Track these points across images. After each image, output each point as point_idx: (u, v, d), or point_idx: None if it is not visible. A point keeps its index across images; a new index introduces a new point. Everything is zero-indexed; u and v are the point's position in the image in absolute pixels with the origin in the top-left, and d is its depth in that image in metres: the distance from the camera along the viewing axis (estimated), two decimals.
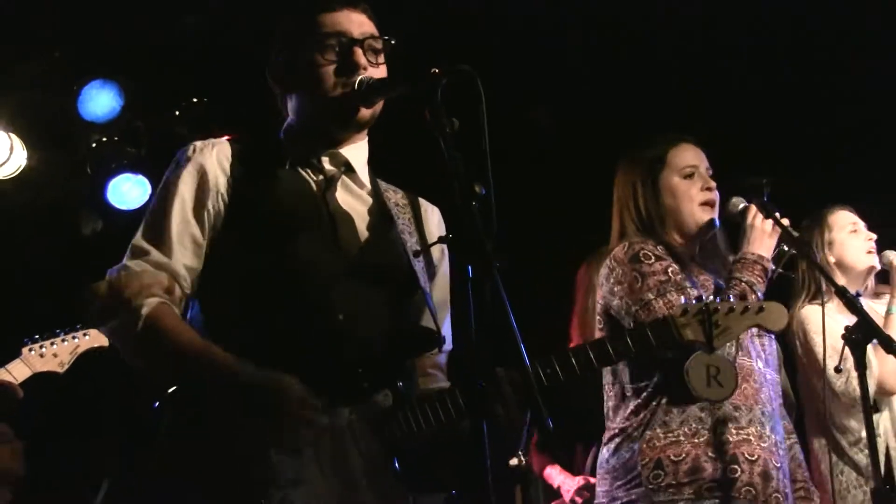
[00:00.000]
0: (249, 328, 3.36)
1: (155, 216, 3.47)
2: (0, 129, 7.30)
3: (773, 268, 4.53)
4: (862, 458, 5.26)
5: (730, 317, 3.68)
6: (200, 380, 3.25)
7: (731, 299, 4.18)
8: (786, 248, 4.59)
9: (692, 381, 4.08)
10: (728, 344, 4.36)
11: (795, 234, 4.63)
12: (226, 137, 3.61)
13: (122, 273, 3.36)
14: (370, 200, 3.68)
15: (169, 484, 3.19)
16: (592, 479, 5.54)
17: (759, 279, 4.46)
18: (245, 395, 3.19)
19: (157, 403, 3.34)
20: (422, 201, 3.82)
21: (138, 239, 3.45)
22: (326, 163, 3.63)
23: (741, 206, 4.64)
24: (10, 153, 7.32)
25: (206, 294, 3.48)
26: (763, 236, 4.53)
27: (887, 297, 5.58)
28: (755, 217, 4.56)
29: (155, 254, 3.40)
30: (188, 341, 3.30)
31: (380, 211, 3.66)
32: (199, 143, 3.56)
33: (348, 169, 3.66)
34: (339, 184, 3.62)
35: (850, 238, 5.49)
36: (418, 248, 3.61)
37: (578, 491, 5.77)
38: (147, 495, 3.24)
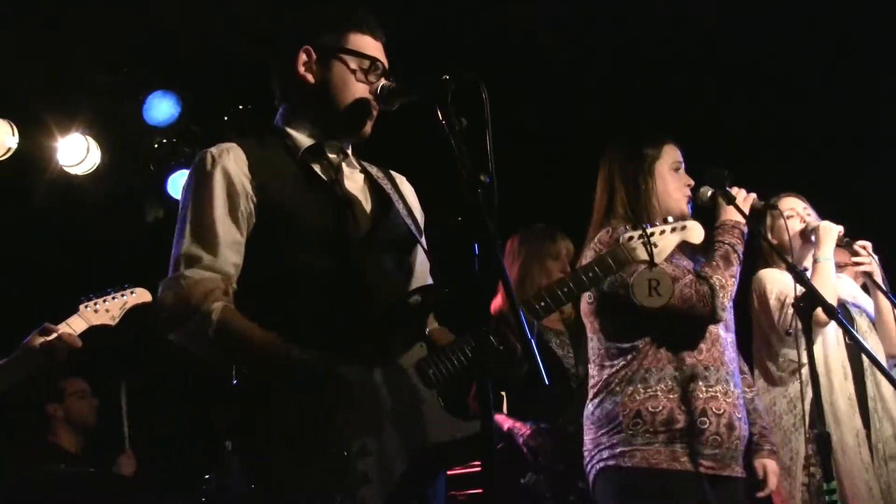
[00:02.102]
0: (295, 308, 3.33)
1: (198, 223, 3.37)
2: (78, 132, 7.30)
3: (746, 231, 4.54)
4: (792, 387, 5.21)
5: (663, 237, 3.90)
6: (273, 371, 3.23)
7: (717, 260, 4.41)
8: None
9: (636, 293, 4.21)
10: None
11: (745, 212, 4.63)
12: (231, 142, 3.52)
13: (184, 282, 3.29)
14: (362, 178, 3.65)
15: (267, 444, 3.19)
16: (542, 425, 5.50)
17: (738, 240, 4.50)
18: (312, 381, 3.19)
19: (235, 381, 3.35)
20: (392, 172, 3.79)
21: (186, 247, 3.35)
22: (329, 151, 3.59)
23: (710, 192, 4.63)
24: (87, 153, 7.34)
25: (245, 282, 3.39)
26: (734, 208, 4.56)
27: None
28: (725, 195, 4.57)
29: (207, 259, 3.32)
30: (259, 338, 3.24)
31: (374, 187, 3.64)
32: (213, 151, 3.47)
33: (345, 156, 3.63)
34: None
35: (787, 222, 5.41)
36: (407, 211, 3.62)
37: (532, 434, 5.62)
38: (250, 456, 3.27)
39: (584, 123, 7.52)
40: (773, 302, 5.24)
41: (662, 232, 3.90)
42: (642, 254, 3.83)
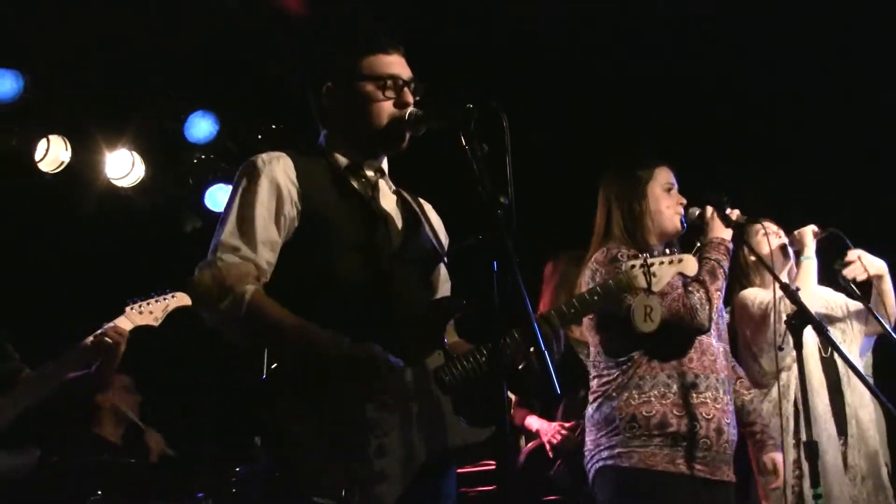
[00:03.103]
0: (326, 310, 3.30)
1: (241, 218, 3.36)
2: (125, 148, 7.31)
3: (733, 247, 4.55)
4: (774, 394, 5.21)
5: (662, 267, 3.91)
6: (301, 352, 3.21)
7: (704, 275, 4.42)
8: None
9: (634, 316, 4.20)
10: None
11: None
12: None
13: (221, 264, 3.27)
14: (395, 198, 3.64)
15: (293, 437, 3.16)
16: (567, 424, 5.60)
17: (724, 256, 4.51)
18: (346, 364, 3.17)
19: (264, 376, 3.33)
20: (419, 199, 3.78)
21: (227, 236, 3.33)
22: (368, 170, 3.58)
23: (698, 211, 4.63)
24: (132, 167, 7.36)
25: (280, 282, 3.38)
26: (721, 226, 4.56)
27: None
28: (712, 211, 4.57)
29: (244, 250, 3.31)
30: (288, 320, 3.23)
31: (406, 207, 3.64)
32: (264, 157, 3.46)
33: (382, 174, 3.63)
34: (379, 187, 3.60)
35: (762, 239, 5.41)
36: (432, 233, 3.62)
37: (556, 433, 5.71)
38: (274, 447, 3.23)
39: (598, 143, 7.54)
40: (756, 311, 5.28)
41: (661, 263, 3.93)
42: (642, 282, 3.88)
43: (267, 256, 3.35)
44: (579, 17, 6.96)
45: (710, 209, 4.59)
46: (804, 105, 7.58)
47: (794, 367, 5.06)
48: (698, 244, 4.64)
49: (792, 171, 7.73)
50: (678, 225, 4.62)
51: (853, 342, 5.41)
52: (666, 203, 4.63)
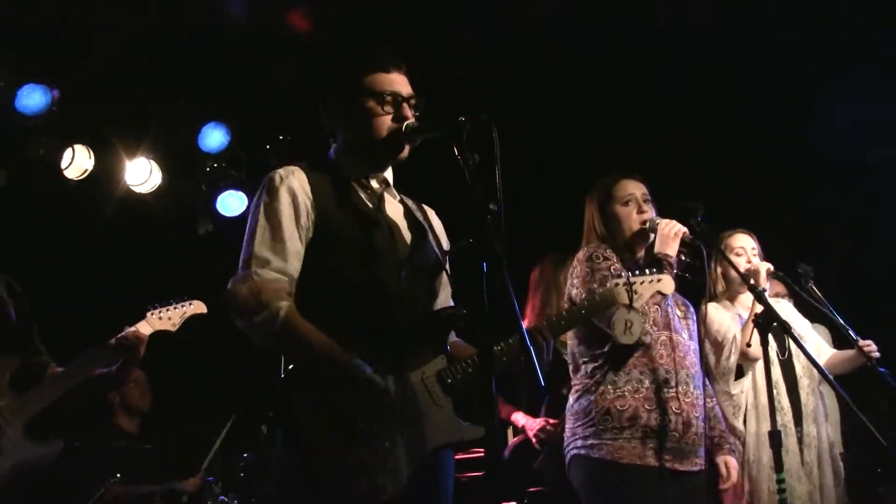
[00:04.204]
0: (338, 314, 3.30)
1: (269, 231, 3.35)
2: (143, 157, 7.31)
3: (675, 263, 4.48)
4: (728, 404, 5.25)
5: (643, 286, 4.10)
6: (324, 369, 3.21)
7: None
8: (686, 259, 4.58)
9: (615, 328, 4.27)
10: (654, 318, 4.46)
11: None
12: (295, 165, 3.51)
13: (257, 279, 3.27)
14: (401, 208, 3.63)
15: (308, 431, 3.18)
16: (552, 420, 5.56)
17: (668, 271, 4.45)
18: (360, 385, 3.19)
19: (283, 376, 3.32)
20: (424, 206, 3.77)
21: (259, 249, 3.32)
22: (373, 181, 3.57)
23: (656, 222, 4.59)
24: (150, 174, 7.36)
25: (298, 290, 3.36)
26: (668, 240, 4.50)
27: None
28: (664, 227, 4.53)
29: (276, 263, 3.30)
30: (317, 339, 3.22)
31: (410, 216, 3.62)
32: (281, 171, 3.45)
33: (387, 185, 3.61)
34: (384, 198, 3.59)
35: (736, 259, 5.43)
36: (436, 241, 3.61)
37: (541, 429, 5.68)
38: (295, 445, 3.25)
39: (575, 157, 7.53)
40: (715, 339, 5.30)
41: (643, 282, 4.10)
42: (624, 298, 4.04)
43: (296, 266, 3.35)
44: (560, 29, 6.95)
45: (663, 221, 4.56)
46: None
47: (756, 366, 5.11)
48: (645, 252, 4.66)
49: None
50: (636, 232, 4.61)
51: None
52: (626, 216, 4.63)
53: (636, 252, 4.64)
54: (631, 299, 4.01)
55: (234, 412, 7.04)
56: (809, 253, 5.66)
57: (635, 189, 4.67)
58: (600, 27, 6.88)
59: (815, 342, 5.51)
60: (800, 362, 5.28)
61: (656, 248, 4.51)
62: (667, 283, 4.14)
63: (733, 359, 5.22)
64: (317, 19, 6.73)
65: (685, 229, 4.53)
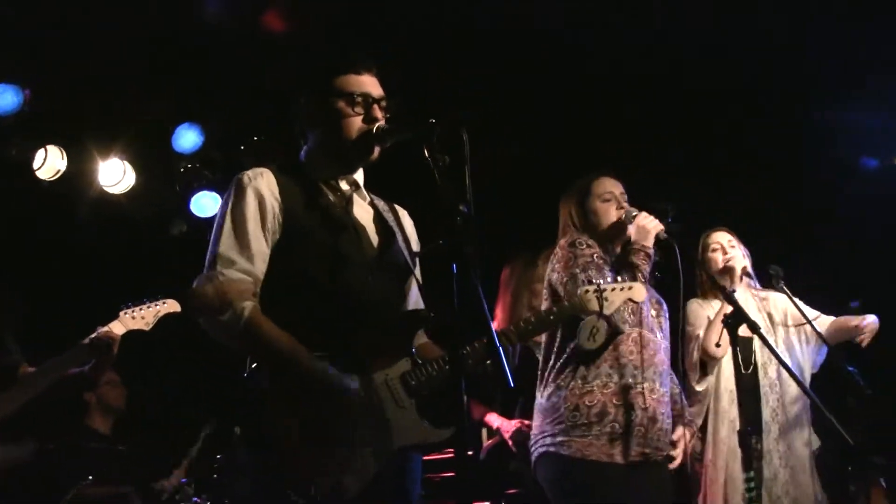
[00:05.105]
0: (303, 316, 3.32)
1: (235, 232, 3.37)
2: (116, 157, 7.30)
3: (654, 252, 4.56)
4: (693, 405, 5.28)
5: (613, 293, 4.06)
6: (287, 369, 3.24)
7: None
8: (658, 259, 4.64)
9: (581, 335, 4.36)
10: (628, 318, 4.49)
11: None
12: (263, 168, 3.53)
13: (222, 279, 3.29)
14: (371, 210, 3.66)
15: (275, 435, 3.20)
16: (527, 422, 5.51)
17: (643, 261, 4.51)
18: (324, 385, 3.22)
19: (247, 374, 3.34)
20: (396, 206, 3.79)
21: (224, 249, 3.35)
22: (342, 183, 3.59)
23: (633, 213, 4.64)
24: (123, 175, 7.35)
25: (265, 291, 3.38)
26: (644, 231, 4.56)
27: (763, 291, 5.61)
28: (641, 218, 4.58)
29: (241, 263, 3.33)
30: (280, 339, 3.25)
31: (380, 218, 3.65)
32: (249, 173, 3.47)
33: (357, 188, 3.63)
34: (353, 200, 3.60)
35: (712, 255, 5.49)
36: (405, 243, 3.63)
37: (517, 431, 5.69)
38: (260, 440, 3.26)
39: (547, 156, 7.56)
40: (688, 334, 5.35)
41: (613, 289, 4.08)
42: (595, 305, 4.02)
43: (261, 267, 3.37)
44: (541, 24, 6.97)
45: (642, 214, 4.61)
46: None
47: (720, 370, 5.18)
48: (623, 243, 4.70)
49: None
50: (616, 229, 4.66)
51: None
52: (605, 213, 4.69)
53: (614, 246, 4.70)
54: (601, 307, 4.02)
55: (208, 413, 7.03)
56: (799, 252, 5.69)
57: (614, 187, 4.73)
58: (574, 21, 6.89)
59: (816, 317, 5.49)
60: (768, 377, 5.30)
61: (634, 238, 4.56)
62: (637, 291, 4.15)
63: (695, 356, 5.26)
64: (295, 20, 6.73)
65: (662, 226, 4.59)
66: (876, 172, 7.96)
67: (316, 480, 3.13)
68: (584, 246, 4.52)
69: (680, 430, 4.71)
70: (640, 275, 4.46)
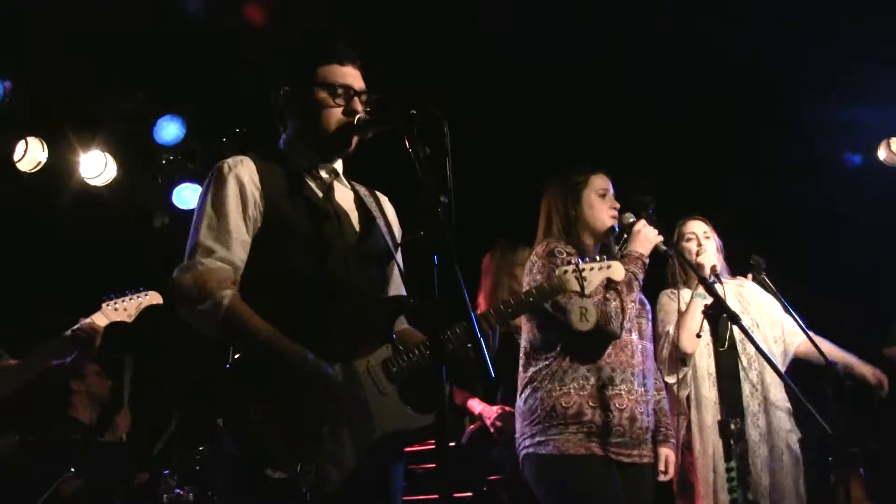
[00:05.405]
0: (285, 303, 3.32)
1: (214, 221, 3.36)
2: (98, 149, 7.30)
3: (648, 261, 4.59)
4: (683, 391, 5.31)
5: (592, 272, 4.05)
6: (268, 357, 3.23)
7: (621, 286, 4.48)
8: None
9: (570, 316, 4.31)
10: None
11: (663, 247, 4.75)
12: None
13: (201, 268, 3.28)
14: (351, 196, 3.65)
15: (252, 418, 3.20)
16: (508, 408, 5.56)
17: (640, 270, 4.57)
18: (305, 373, 3.22)
19: (228, 365, 3.33)
20: (377, 192, 3.79)
21: (204, 238, 3.34)
22: (322, 171, 3.59)
23: (631, 219, 4.68)
24: (105, 167, 7.35)
25: (246, 280, 3.37)
26: (645, 240, 4.61)
27: (739, 278, 5.63)
28: (641, 226, 4.62)
29: (221, 252, 3.32)
30: (260, 327, 3.24)
31: (361, 204, 3.64)
32: (230, 161, 3.47)
33: (336, 175, 3.63)
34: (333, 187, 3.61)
35: (685, 245, 5.51)
36: (387, 228, 3.63)
37: (499, 416, 5.71)
38: (239, 429, 3.26)
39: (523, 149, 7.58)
40: (659, 330, 5.34)
41: (592, 269, 4.05)
42: (574, 285, 4.00)
43: (241, 256, 3.36)
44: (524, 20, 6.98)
45: (641, 222, 4.65)
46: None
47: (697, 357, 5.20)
48: (618, 248, 4.73)
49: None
50: (608, 226, 4.68)
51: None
52: (599, 207, 4.69)
53: (599, 243, 4.72)
54: (582, 287, 4.00)
55: (189, 404, 7.04)
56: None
57: (607, 185, 4.75)
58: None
59: (789, 325, 5.51)
60: (746, 354, 5.33)
61: (633, 247, 4.60)
62: (616, 270, 4.14)
63: (665, 352, 5.27)
64: (278, 12, 6.73)
65: (661, 238, 4.64)
66: (860, 168, 8.00)
67: (297, 471, 3.12)
68: (564, 254, 4.51)
69: (671, 455, 4.78)
70: (636, 283, 4.52)
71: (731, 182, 7.76)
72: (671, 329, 5.31)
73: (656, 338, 5.26)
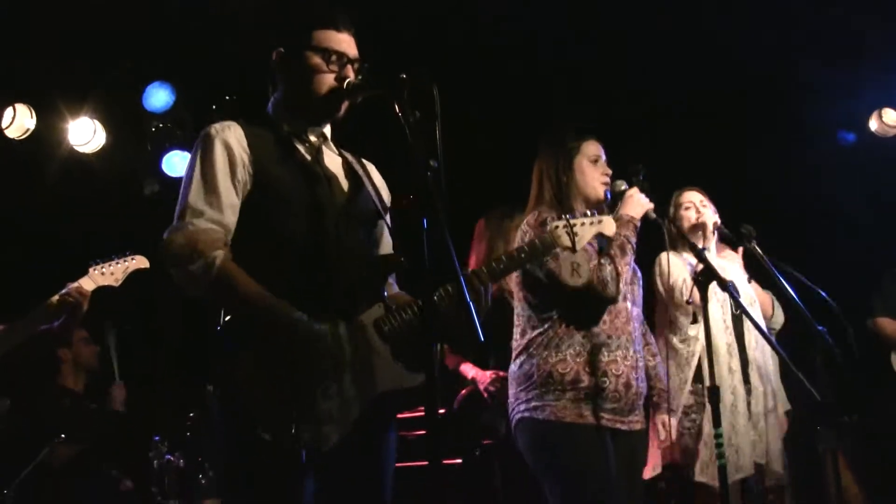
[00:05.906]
0: (277, 265, 3.33)
1: (203, 183, 3.35)
2: (87, 116, 7.28)
3: (639, 225, 4.60)
4: (683, 350, 5.31)
5: (583, 227, 3.99)
6: (260, 318, 3.24)
7: (615, 250, 4.50)
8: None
9: (562, 272, 4.33)
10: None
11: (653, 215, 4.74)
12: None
13: (192, 228, 3.28)
14: (340, 160, 3.66)
15: (243, 384, 3.22)
16: (502, 373, 5.56)
17: (632, 233, 4.57)
18: (298, 333, 3.21)
19: (219, 328, 3.34)
20: (363, 160, 3.79)
21: (194, 200, 3.33)
22: (311, 135, 3.59)
23: (623, 187, 4.68)
24: (94, 134, 7.34)
25: (235, 242, 3.37)
26: (637, 205, 4.62)
27: (727, 253, 5.64)
28: (633, 192, 4.64)
29: (210, 213, 3.31)
30: (252, 289, 3.24)
31: (349, 168, 3.64)
32: (217, 126, 3.46)
33: (325, 139, 3.64)
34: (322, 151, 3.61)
35: (684, 213, 5.54)
36: (374, 190, 3.64)
37: (492, 381, 5.73)
38: (233, 391, 3.27)
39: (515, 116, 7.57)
40: (674, 280, 5.32)
41: (583, 224, 4.00)
42: (566, 241, 3.93)
43: (231, 219, 3.35)
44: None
45: (633, 188, 4.66)
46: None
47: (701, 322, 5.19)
48: (612, 216, 4.72)
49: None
50: (601, 194, 4.68)
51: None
52: (591, 174, 4.68)
53: (587, 209, 4.70)
54: (573, 242, 3.94)
55: (180, 370, 7.06)
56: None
57: (599, 151, 4.74)
58: None
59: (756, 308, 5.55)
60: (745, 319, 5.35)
61: (625, 211, 4.59)
62: (608, 225, 4.12)
63: (686, 295, 5.25)
64: None
65: (652, 205, 4.65)
66: (853, 145, 8.01)
67: (291, 433, 3.13)
68: (555, 226, 4.52)
69: (668, 420, 4.83)
70: (629, 246, 4.52)
71: (731, 182, 7.76)
72: (687, 278, 5.28)
73: (668, 291, 5.34)
